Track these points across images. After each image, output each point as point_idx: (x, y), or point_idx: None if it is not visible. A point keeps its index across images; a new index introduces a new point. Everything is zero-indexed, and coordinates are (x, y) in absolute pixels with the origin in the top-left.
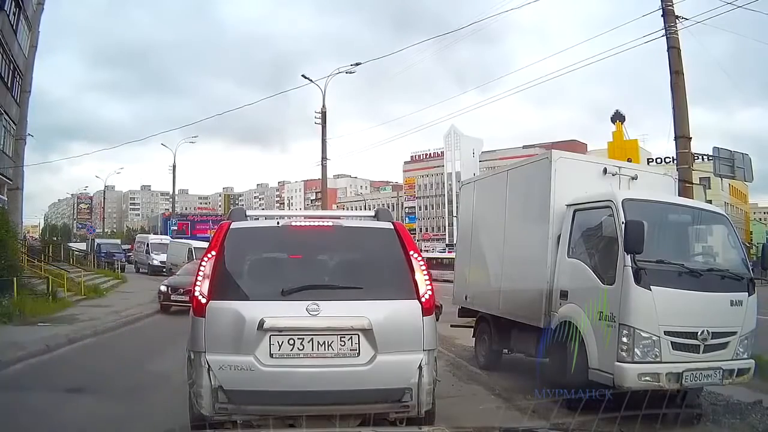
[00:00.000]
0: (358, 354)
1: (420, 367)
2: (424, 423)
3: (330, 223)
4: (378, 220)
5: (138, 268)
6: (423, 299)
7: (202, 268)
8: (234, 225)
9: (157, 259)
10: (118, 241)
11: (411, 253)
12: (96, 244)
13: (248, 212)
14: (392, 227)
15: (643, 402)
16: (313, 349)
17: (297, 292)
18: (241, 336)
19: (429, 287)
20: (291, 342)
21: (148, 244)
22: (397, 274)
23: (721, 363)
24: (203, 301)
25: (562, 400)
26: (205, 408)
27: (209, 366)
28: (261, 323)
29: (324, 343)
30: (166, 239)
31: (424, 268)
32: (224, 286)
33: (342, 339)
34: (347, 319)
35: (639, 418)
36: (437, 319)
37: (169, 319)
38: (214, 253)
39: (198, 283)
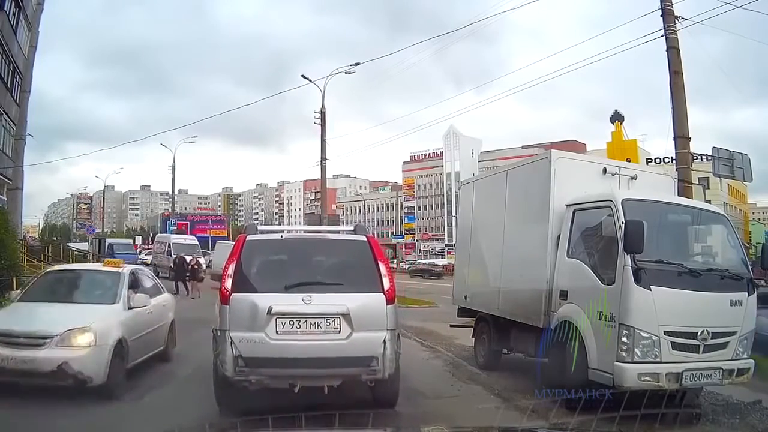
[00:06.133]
0: (339, 332)
1: (384, 342)
2: (387, 386)
3: (319, 236)
4: (356, 233)
5: (158, 272)
6: (386, 292)
7: (226, 270)
8: (249, 238)
9: None
10: (131, 241)
11: (378, 259)
12: (107, 244)
13: (259, 228)
14: (365, 240)
15: (643, 402)
16: (307, 328)
17: (295, 286)
18: (255, 318)
19: (390, 284)
20: (291, 323)
21: (169, 245)
22: (368, 274)
23: (721, 363)
24: (228, 293)
25: (562, 400)
26: (228, 371)
27: (232, 340)
28: (269, 309)
29: (315, 323)
30: (191, 239)
31: (387, 269)
32: (243, 282)
33: (328, 321)
34: (332, 306)
35: (638, 417)
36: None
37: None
38: (234, 259)
39: (224, 281)
